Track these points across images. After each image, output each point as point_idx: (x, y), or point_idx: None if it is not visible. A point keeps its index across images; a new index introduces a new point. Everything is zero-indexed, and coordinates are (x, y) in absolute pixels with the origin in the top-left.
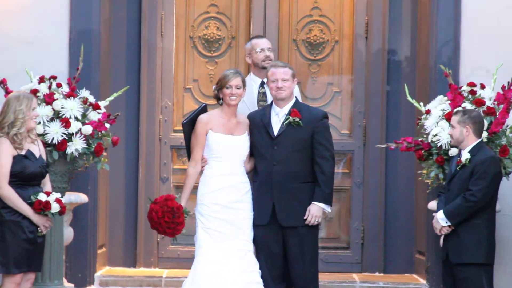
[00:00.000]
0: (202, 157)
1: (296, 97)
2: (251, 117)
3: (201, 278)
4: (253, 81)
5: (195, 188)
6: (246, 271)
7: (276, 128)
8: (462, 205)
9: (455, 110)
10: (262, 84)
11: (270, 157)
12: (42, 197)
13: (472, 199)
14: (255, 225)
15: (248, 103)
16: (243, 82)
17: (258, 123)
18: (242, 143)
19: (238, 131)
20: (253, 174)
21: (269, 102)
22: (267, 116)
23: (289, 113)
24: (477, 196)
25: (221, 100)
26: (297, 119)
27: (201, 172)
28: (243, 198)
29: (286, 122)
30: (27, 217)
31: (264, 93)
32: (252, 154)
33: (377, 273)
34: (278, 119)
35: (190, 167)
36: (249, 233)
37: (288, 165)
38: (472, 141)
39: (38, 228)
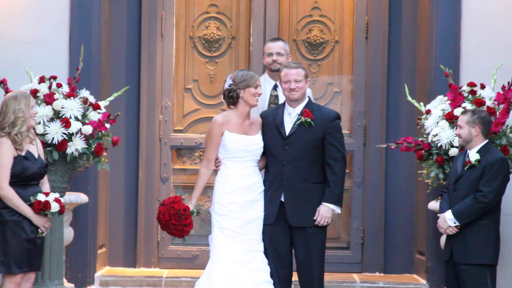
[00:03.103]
0: (216, 157)
1: (309, 97)
2: (263, 116)
3: (216, 277)
4: (267, 82)
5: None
6: (258, 271)
7: (288, 128)
8: (473, 206)
9: (463, 110)
10: (275, 87)
11: (281, 157)
12: (41, 197)
13: (483, 200)
14: (264, 224)
15: (259, 104)
16: None
17: (270, 122)
18: (257, 142)
19: (252, 131)
20: (264, 173)
21: None
22: (279, 116)
23: (301, 113)
24: (489, 198)
25: (240, 99)
26: (309, 120)
27: (216, 172)
28: (257, 197)
29: (297, 122)
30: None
31: (276, 96)
32: (264, 153)
33: (377, 273)
34: (290, 119)
35: (202, 167)
36: (260, 234)
37: (299, 165)
38: (480, 142)
39: (39, 229)
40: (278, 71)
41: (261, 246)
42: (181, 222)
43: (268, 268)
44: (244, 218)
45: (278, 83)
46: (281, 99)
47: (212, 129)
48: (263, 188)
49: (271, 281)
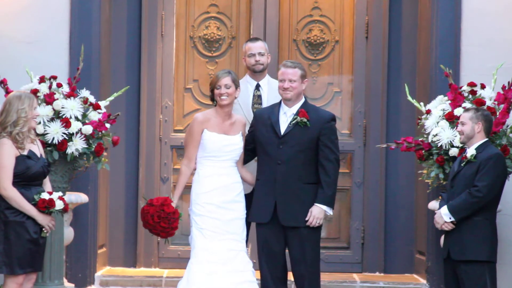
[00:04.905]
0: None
1: (305, 97)
2: (258, 114)
3: (195, 278)
4: (248, 83)
5: (187, 187)
6: (239, 270)
7: (283, 127)
8: (467, 201)
9: (466, 107)
10: (257, 86)
11: (275, 156)
12: (45, 196)
13: (477, 194)
14: (257, 224)
15: (242, 105)
16: (234, 81)
17: (265, 120)
18: (236, 142)
19: (233, 131)
20: (257, 172)
21: (263, 105)
22: (275, 115)
23: (297, 113)
24: (483, 192)
25: (215, 101)
26: (305, 120)
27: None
28: (236, 198)
29: (293, 122)
30: (31, 218)
31: (259, 96)
32: (246, 151)
33: (377, 273)
34: (286, 118)
35: (183, 165)
36: (241, 233)
37: (293, 165)
38: (480, 139)
39: (43, 229)
40: (261, 71)
41: (241, 246)
42: (171, 225)
43: (250, 268)
44: (222, 218)
45: (259, 82)
46: (264, 99)
47: (193, 127)
48: (241, 188)
49: (254, 280)
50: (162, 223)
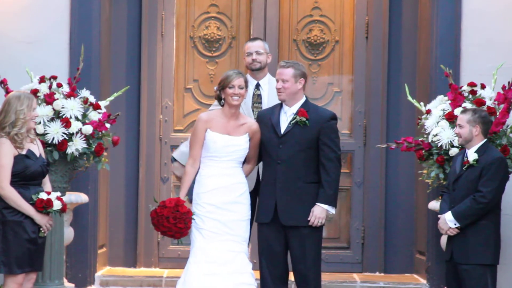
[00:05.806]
0: None
1: (306, 96)
2: (261, 115)
3: (192, 278)
4: (249, 83)
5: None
6: (238, 272)
7: (283, 126)
8: (472, 207)
9: (464, 109)
10: (257, 86)
11: (275, 155)
12: (43, 196)
13: (483, 200)
14: (258, 224)
15: (242, 105)
16: (246, 82)
17: (267, 121)
18: (239, 143)
19: (237, 132)
20: (261, 173)
21: (263, 104)
22: (276, 115)
23: (297, 113)
24: (488, 198)
25: (223, 101)
26: (304, 119)
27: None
28: (238, 199)
29: (292, 122)
30: (29, 217)
31: (259, 95)
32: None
33: (377, 273)
34: (286, 118)
35: (188, 165)
36: (242, 234)
37: (293, 164)
38: (479, 141)
39: (41, 229)
40: (259, 70)
41: (242, 247)
42: (187, 225)
43: (248, 270)
44: (222, 218)
45: (259, 82)
46: (264, 98)
47: (197, 127)
48: (245, 189)
49: (252, 283)
50: (179, 224)
